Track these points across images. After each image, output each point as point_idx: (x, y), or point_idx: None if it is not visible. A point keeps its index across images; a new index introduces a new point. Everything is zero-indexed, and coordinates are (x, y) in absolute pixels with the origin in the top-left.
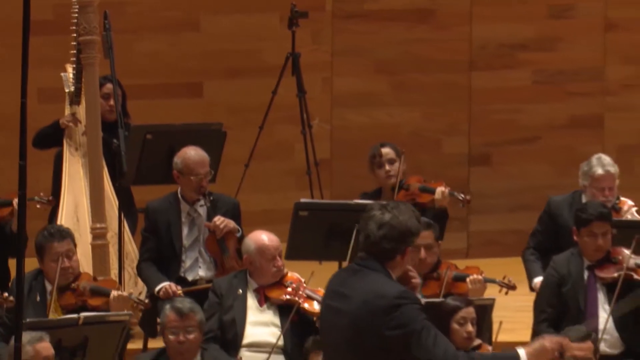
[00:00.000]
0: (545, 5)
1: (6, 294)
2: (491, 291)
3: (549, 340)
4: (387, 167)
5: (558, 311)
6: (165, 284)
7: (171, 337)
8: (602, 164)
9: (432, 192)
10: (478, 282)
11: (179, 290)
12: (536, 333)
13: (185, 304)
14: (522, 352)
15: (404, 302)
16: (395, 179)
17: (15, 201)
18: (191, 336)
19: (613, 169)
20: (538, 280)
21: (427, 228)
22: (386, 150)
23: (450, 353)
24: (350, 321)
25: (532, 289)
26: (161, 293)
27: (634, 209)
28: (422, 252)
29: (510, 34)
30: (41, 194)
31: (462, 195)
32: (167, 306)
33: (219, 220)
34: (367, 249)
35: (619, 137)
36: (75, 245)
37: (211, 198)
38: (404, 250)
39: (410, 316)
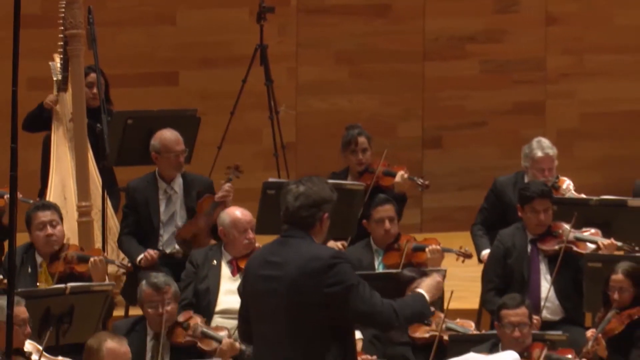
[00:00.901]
0: (491, 0)
1: (0, 277)
2: (448, 259)
3: (438, 275)
4: (360, 155)
5: (504, 281)
6: (144, 252)
7: (150, 310)
8: (542, 147)
9: (394, 175)
10: (436, 252)
11: (155, 253)
12: (485, 301)
13: (160, 278)
14: (421, 291)
15: (339, 261)
16: (364, 167)
17: (7, 197)
18: (169, 307)
19: (552, 151)
20: (485, 252)
21: (388, 202)
22: (362, 140)
23: (386, 301)
24: (289, 285)
25: (480, 260)
26: (142, 262)
27: (572, 187)
28: (387, 224)
29: (460, 27)
30: (37, 199)
31: (421, 180)
32: (143, 282)
33: (228, 186)
34: (289, 220)
35: (559, 121)
36: (61, 218)
37: (240, 171)
38: (321, 217)
39: (347, 272)
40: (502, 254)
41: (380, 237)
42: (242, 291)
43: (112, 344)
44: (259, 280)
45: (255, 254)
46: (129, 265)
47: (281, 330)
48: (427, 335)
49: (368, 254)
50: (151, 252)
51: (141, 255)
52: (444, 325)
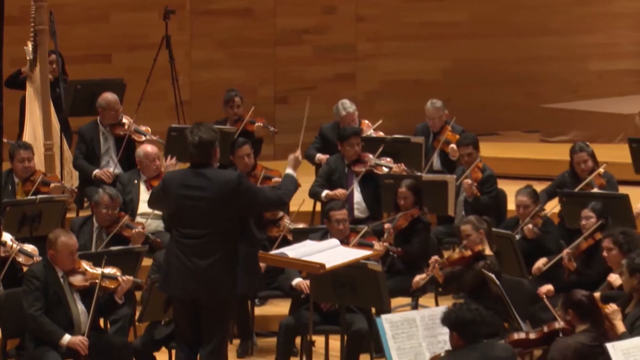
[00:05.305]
0: (319, 6)
1: None
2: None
3: (295, 152)
4: (235, 109)
5: (326, 184)
6: (98, 170)
7: (104, 210)
8: (344, 107)
9: (254, 124)
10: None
11: (110, 173)
12: (311, 189)
13: (113, 191)
14: (289, 170)
15: (242, 180)
16: (237, 117)
17: None
18: (116, 211)
19: (351, 108)
20: (318, 155)
21: (246, 144)
22: (237, 99)
23: (273, 190)
24: (211, 203)
25: (314, 163)
26: (97, 176)
27: (371, 127)
28: (245, 159)
29: (299, 23)
30: (16, 140)
31: (272, 129)
32: (101, 191)
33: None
34: (195, 160)
35: (365, 86)
36: (33, 154)
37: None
38: (214, 152)
39: (248, 185)
40: (329, 172)
41: (241, 167)
42: (161, 195)
43: (64, 238)
44: (182, 198)
45: (171, 179)
46: (77, 190)
47: (206, 231)
48: (277, 234)
49: None
50: (109, 172)
51: (97, 171)
52: (289, 226)
